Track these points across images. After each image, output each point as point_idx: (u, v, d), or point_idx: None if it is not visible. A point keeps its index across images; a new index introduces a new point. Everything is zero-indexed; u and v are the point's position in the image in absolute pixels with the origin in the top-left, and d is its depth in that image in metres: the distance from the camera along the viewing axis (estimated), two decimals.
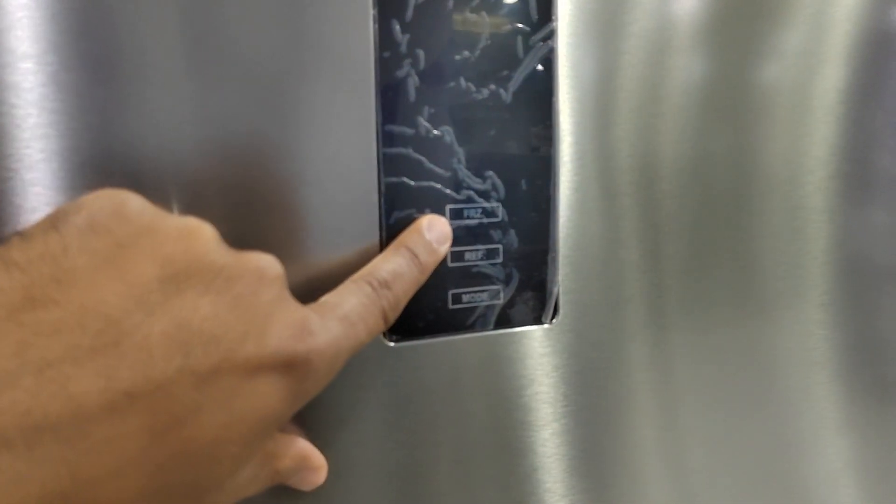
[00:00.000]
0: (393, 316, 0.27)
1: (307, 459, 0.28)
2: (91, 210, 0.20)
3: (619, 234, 0.35)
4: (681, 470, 0.39)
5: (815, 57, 0.39)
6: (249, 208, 0.28)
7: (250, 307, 0.22)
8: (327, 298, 0.26)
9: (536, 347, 0.34)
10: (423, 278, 0.29)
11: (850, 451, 0.43)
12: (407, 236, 0.30)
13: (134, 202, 0.21)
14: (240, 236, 0.27)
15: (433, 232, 0.30)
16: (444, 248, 0.31)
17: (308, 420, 0.30)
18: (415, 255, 0.29)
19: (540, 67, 0.33)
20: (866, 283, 0.42)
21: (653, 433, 0.38)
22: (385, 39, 0.30)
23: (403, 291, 0.28)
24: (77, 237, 0.20)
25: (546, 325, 0.34)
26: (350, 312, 0.25)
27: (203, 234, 0.22)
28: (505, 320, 0.33)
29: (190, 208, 0.27)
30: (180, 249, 0.21)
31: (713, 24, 0.36)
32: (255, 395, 0.21)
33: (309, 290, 0.29)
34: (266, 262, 0.23)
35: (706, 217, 0.37)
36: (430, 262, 0.30)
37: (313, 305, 0.25)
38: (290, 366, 0.22)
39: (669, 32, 0.36)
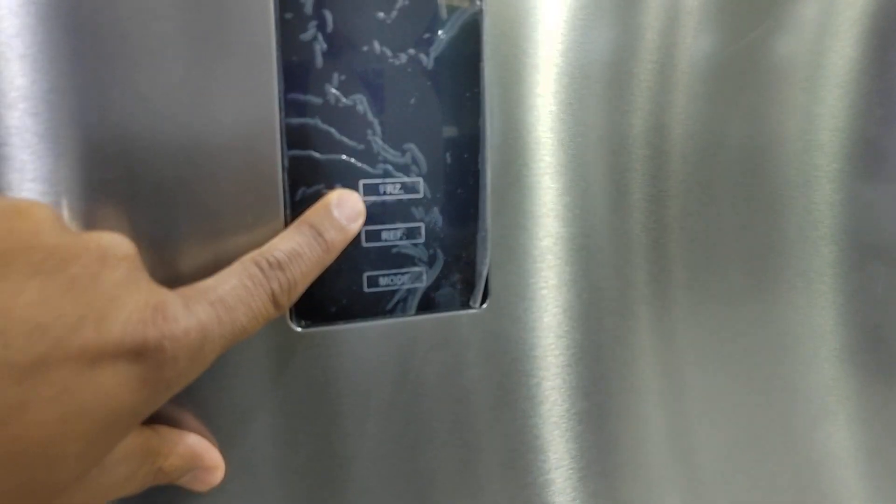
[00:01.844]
0: (286, 300, 0.25)
1: (198, 458, 0.26)
2: None
3: (601, 216, 0.33)
4: (686, 457, 0.37)
5: (828, 31, 0.37)
6: (136, 183, 0.26)
7: (89, 290, 0.19)
8: (205, 280, 0.24)
9: (465, 333, 0.32)
10: (329, 258, 0.27)
11: (860, 435, 0.42)
12: (312, 213, 0.28)
13: None
14: (125, 212, 0.25)
15: (343, 208, 0.28)
16: (356, 225, 0.28)
17: (206, 412, 0.28)
18: (319, 234, 0.27)
19: (465, 31, 0.30)
20: (879, 260, 0.40)
21: (601, 422, 0.35)
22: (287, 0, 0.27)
23: (302, 273, 0.26)
24: None
25: (475, 310, 0.32)
26: (226, 295, 0.23)
27: (34, 213, 0.20)
28: (429, 304, 0.31)
29: (66, 182, 0.25)
30: (4, 229, 0.19)
31: (721, 4, 0.34)
32: (97, 387, 0.19)
33: (204, 274, 0.27)
34: (111, 241, 0.21)
35: (709, 198, 0.35)
36: (338, 240, 0.27)
37: (183, 288, 0.23)
38: (139, 353, 0.20)
39: (680, 5, 0.34)
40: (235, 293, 0.23)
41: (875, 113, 0.39)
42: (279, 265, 0.25)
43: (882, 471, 0.43)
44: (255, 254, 0.25)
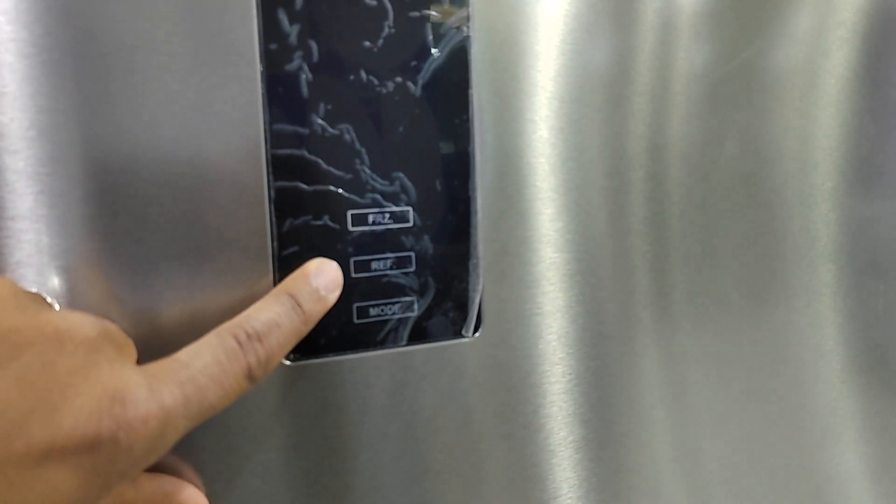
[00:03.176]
0: (262, 373, 0.24)
1: (172, 497, 0.25)
2: None
3: (592, 234, 0.33)
4: (690, 483, 0.36)
5: (825, 40, 0.37)
6: (118, 218, 0.25)
7: (40, 380, 0.18)
8: (178, 354, 0.23)
9: (458, 363, 0.31)
10: (306, 329, 0.26)
11: (865, 454, 0.41)
12: (291, 282, 0.27)
13: None
14: (108, 248, 0.25)
15: (321, 278, 0.27)
16: (333, 296, 0.28)
17: (192, 450, 0.27)
18: (298, 304, 0.26)
19: (453, 57, 0.30)
20: (878, 278, 0.40)
21: (595, 449, 0.35)
22: (271, 30, 0.27)
23: (279, 345, 0.25)
24: None
25: (468, 338, 0.31)
26: (198, 374, 0.22)
27: None
28: (420, 334, 0.31)
29: (46, 219, 0.25)
30: None
31: (721, 7, 0.34)
32: (43, 483, 0.18)
33: (188, 311, 0.26)
34: (70, 324, 0.20)
35: (710, 216, 0.35)
36: (316, 311, 0.27)
37: (152, 365, 0.22)
38: (91, 447, 0.19)
39: (677, 17, 0.33)
40: (208, 371, 0.22)
41: (869, 130, 0.39)
42: (258, 337, 0.24)
43: (888, 490, 0.42)
44: (232, 324, 0.24)
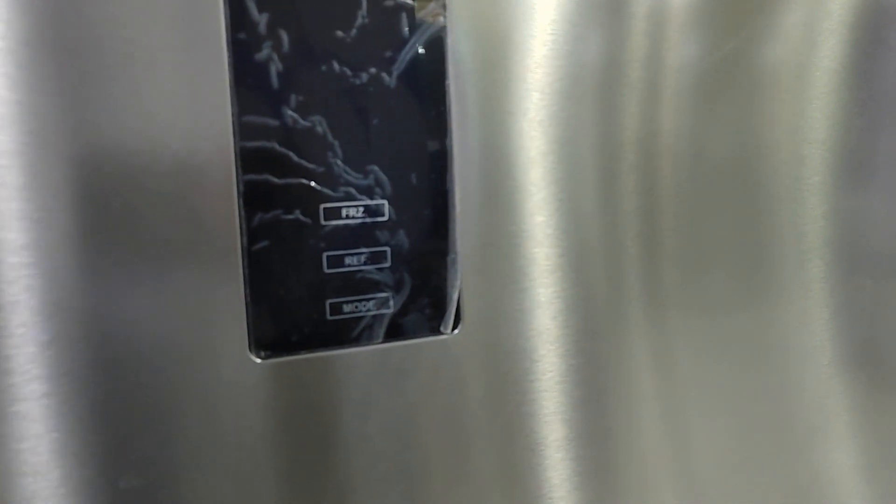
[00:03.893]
0: None
1: None
2: None
3: (581, 229, 0.32)
4: (681, 478, 0.35)
5: (813, 32, 0.36)
6: (82, 211, 0.25)
7: None
8: None
9: (436, 361, 0.31)
10: None
11: (855, 449, 0.41)
12: None
13: None
14: (71, 242, 0.24)
15: None
16: None
17: (160, 451, 0.26)
18: None
19: (428, 48, 0.29)
20: (866, 273, 0.39)
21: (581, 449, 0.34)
22: (238, 18, 0.26)
23: None
24: None
25: (446, 335, 0.31)
26: None
27: None
28: (397, 331, 0.30)
29: (8, 213, 0.24)
30: None
31: (711, 1, 0.33)
32: None
33: (155, 305, 0.26)
34: None
35: (702, 207, 0.34)
36: None
37: None
38: None
39: (668, 10, 0.33)
40: None
41: (858, 123, 0.38)
42: None
43: (878, 485, 0.42)
44: None
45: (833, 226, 0.38)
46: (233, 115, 0.26)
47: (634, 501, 0.35)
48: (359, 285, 0.29)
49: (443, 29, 0.29)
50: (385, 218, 0.29)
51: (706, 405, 0.37)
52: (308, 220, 0.28)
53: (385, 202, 0.29)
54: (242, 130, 0.27)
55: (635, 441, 0.35)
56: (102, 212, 0.25)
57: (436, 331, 0.31)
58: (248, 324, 0.27)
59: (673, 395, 0.36)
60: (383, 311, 0.30)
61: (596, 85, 0.32)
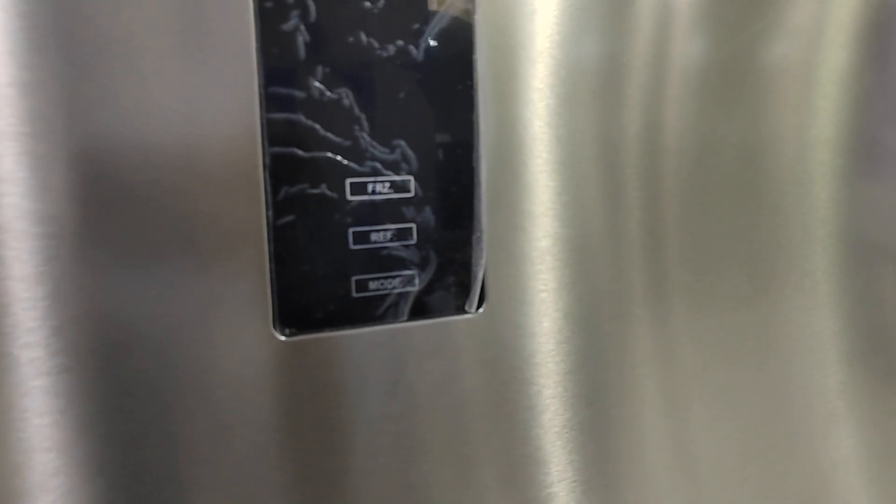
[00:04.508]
0: None
1: None
2: None
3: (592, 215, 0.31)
4: (692, 466, 0.35)
5: (821, 34, 0.35)
6: (107, 186, 0.24)
7: None
8: None
9: (460, 340, 0.30)
10: None
11: (869, 440, 0.40)
12: None
13: None
14: (97, 221, 0.24)
15: None
16: None
17: (186, 429, 0.26)
18: None
19: (457, 20, 0.28)
20: (882, 261, 0.39)
21: (603, 430, 0.34)
22: None
23: None
24: None
25: (471, 314, 0.30)
26: None
27: None
28: (422, 309, 0.30)
29: (39, 180, 0.23)
30: None
31: (717, 1, 0.33)
32: None
33: (179, 281, 0.25)
34: None
35: (709, 198, 0.34)
36: None
37: None
38: None
39: (673, 9, 0.32)
40: None
41: (871, 111, 0.38)
42: None
43: (887, 477, 0.41)
44: None
45: (838, 220, 0.38)
46: (259, 86, 0.26)
47: (653, 485, 0.35)
48: (384, 262, 0.29)
49: (471, 2, 0.29)
50: (411, 194, 0.29)
51: (715, 388, 0.36)
52: (334, 195, 0.27)
53: (411, 178, 0.29)
54: (269, 102, 0.26)
55: (653, 425, 0.35)
56: (128, 187, 0.24)
57: (461, 310, 0.30)
58: (272, 300, 0.27)
59: (684, 380, 0.35)
60: (408, 288, 0.29)
61: (618, 64, 0.32)
